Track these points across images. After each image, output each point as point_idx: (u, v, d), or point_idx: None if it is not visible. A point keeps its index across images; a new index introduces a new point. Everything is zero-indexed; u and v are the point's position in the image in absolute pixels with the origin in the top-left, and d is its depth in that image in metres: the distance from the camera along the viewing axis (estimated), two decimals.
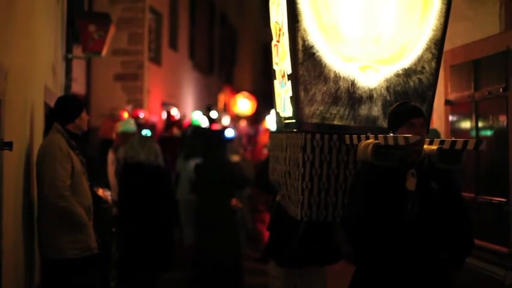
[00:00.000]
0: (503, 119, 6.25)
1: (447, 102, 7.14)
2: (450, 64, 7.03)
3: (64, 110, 5.55)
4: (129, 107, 10.33)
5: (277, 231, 5.96)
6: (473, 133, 6.73)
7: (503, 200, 6.25)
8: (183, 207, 9.35)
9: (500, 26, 6.30)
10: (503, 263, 6.12)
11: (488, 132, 6.55)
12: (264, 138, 14.11)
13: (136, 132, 8.58)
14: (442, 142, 4.08)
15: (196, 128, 11.66)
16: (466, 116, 6.92)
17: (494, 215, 6.40)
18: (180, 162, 10.24)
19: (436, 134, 6.47)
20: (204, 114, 15.33)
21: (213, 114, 16.18)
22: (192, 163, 9.83)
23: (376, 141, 3.94)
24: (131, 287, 8.14)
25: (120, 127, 8.73)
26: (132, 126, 8.81)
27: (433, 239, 3.98)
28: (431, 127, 6.59)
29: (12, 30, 4.82)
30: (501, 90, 6.14)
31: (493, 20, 6.37)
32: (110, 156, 8.59)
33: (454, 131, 7.05)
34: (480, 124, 6.66)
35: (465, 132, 6.89)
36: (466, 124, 6.98)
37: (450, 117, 7.16)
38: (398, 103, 4.17)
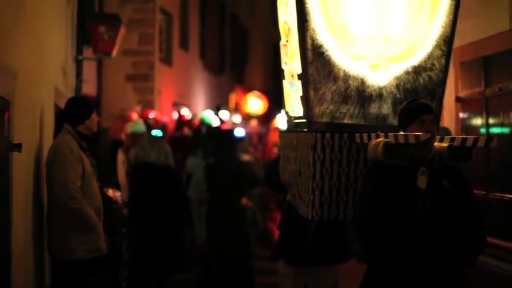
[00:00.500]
0: None
1: (458, 99, 7.12)
2: (460, 61, 7.00)
3: (74, 111, 5.56)
4: (139, 108, 10.34)
5: (288, 230, 5.95)
6: (484, 130, 6.70)
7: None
8: (195, 206, 9.38)
9: (510, 22, 6.25)
10: None
11: (499, 129, 6.53)
12: (273, 137, 14.10)
13: (147, 133, 8.59)
14: (452, 139, 4.06)
15: (210, 127, 11.66)
16: (477, 113, 6.89)
17: (506, 211, 6.38)
18: (192, 161, 10.24)
19: (447, 132, 6.45)
20: (215, 114, 15.34)
21: (222, 114, 16.19)
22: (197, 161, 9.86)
23: (387, 139, 3.93)
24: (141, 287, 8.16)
25: (129, 128, 8.75)
26: (141, 126, 8.83)
27: (445, 237, 3.97)
28: (442, 125, 6.58)
29: (20, 32, 4.83)
30: (511, 86, 6.12)
31: (503, 17, 6.33)
32: (120, 157, 8.61)
33: (465, 128, 7.02)
34: (491, 121, 6.63)
35: (476, 129, 6.87)
36: (476, 121, 6.96)
37: (461, 115, 7.14)
38: (408, 101, 4.17)
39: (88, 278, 5.36)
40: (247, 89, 26.20)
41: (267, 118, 23.78)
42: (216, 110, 15.86)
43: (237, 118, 17.85)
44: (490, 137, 3.87)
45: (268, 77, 29.67)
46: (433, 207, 3.93)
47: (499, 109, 6.50)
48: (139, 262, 7.94)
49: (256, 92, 25.00)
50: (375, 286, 4.11)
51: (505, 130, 6.41)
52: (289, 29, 4.82)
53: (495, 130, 6.58)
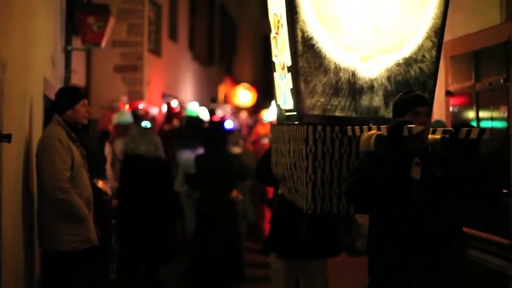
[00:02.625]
0: (504, 110, 6.23)
1: (448, 93, 7.12)
2: (450, 55, 7.00)
3: (62, 99, 5.54)
4: (125, 98, 10.29)
5: (280, 224, 5.95)
6: (474, 124, 6.70)
7: (504, 191, 6.23)
8: (183, 198, 9.37)
9: (501, 16, 6.25)
10: (504, 254, 6.11)
11: (489, 123, 6.53)
12: (260, 129, 14.07)
13: (136, 124, 8.56)
14: (445, 131, 4.05)
15: (189, 119, 11.63)
16: (467, 107, 6.90)
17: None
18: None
19: (442, 125, 6.44)
20: (210, 106, 15.30)
21: (215, 106, 16.15)
22: (184, 154, 9.83)
23: (379, 132, 3.93)
24: (131, 279, 8.15)
25: (115, 119, 8.73)
26: (127, 117, 8.81)
27: (442, 228, 3.97)
28: (436, 118, 6.59)
29: (9, 22, 4.80)
30: (502, 81, 6.11)
31: (494, 11, 6.32)
32: (107, 148, 8.58)
33: (455, 121, 7.03)
34: (481, 115, 6.63)
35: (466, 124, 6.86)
36: (466, 115, 6.96)
37: (451, 108, 7.14)
38: (402, 93, 4.17)
39: (78, 270, 5.35)
40: (236, 81, 26.16)
41: (256, 110, 23.75)
42: (211, 102, 15.80)
43: (226, 110, 17.80)
44: (482, 128, 3.86)
45: (257, 69, 29.62)
46: (428, 198, 3.93)
47: (489, 103, 6.50)
48: (129, 254, 7.93)
49: (245, 84, 24.95)
50: (379, 279, 4.10)
51: (495, 124, 6.42)
52: (279, 21, 4.79)
53: (485, 124, 6.58)
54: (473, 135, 3.88)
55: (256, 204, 11.35)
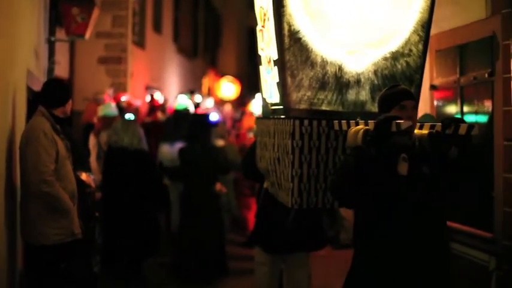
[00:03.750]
0: (488, 105, 6.24)
1: (432, 87, 7.13)
2: (435, 49, 7.00)
3: (53, 94, 5.50)
4: (111, 90, 10.24)
5: (264, 218, 5.94)
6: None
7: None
8: (170, 191, 9.37)
9: (486, 11, 6.27)
10: (487, 248, 6.13)
11: (473, 118, 6.54)
12: (247, 123, 14.03)
13: (120, 116, 8.52)
14: (432, 126, 4.04)
15: (177, 112, 11.60)
16: (451, 101, 6.91)
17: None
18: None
19: (432, 119, 6.44)
20: (188, 99, 15.23)
21: (197, 98, 16.10)
22: (164, 148, 9.82)
23: (366, 127, 3.91)
24: (114, 272, 8.12)
25: (100, 111, 8.69)
26: (112, 110, 8.77)
27: (427, 223, 3.96)
28: (424, 112, 6.59)
29: None
30: (486, 75, 6.13)
31: (479, 5, 6.33)
32: (91, 140, 8.54)
33: (439, 116, 7.03)
34: (465, 109, 6.65)
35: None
36: (451, 109, 6.97)
37: (435, 102, 7.15)
38: (388, 87, 4.14)
39: (61, 263, 5.32)
40: (221, 74, 26.11)
41: (240, 103, 23.72)
42: (190, 94, 15.74)
43: (210, 102, 17.74)
44: (471, 124, 3.85)
45: (241, 62, 29.58)
46: (414, 194, 3.92)
47: (473, 97, 6.52)
48: (113, 247, 7.90)
49: (230, 77, 24.92)
50: (361, 274, 4.09)
51: (479, 119, 6.43)
52: (265, 14, 4.77)
53: (469, 118, 6.59)
54: (462, 131, 3.87)
55: (243, 197, 11.35)
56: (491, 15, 6.20)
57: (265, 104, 5.18)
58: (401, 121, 3.74)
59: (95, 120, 8.85)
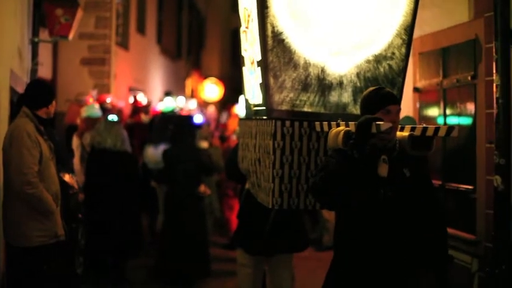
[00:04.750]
0: (471, 107, 6.29)
1: (415, 89, 7.17)
2: (419, 52, 7.04)
3: (37, 95, 5.47)
4: (95, 92, 10.21)
5: (246, 219, 5.94)
6: (441, 120, 6.76)
7: (469, 187, 6.30)
8: (157, 193, 9.38)
9: (469, 14, 6.31)
10: (469, 250, 6.17)
11: (456, 120, 6.58)
12: (233, 125, 14.03)
13: (103, 118, 8.50)
14: (413, 129, 4.05)
15: (163, 115, 11.60)
16: (434, 103, 6.95)
17: (461, 202, 6.45)
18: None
19: (412, 121, 6.47)
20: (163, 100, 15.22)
21: (179, 100, 16.09)
22: (149, 150, 9.81)
23: (347, 128, 3.92)
24: (98, 273, 8.09)
25: (84, 112, 8.67)
26: (96, 111, 8.75)
27: (407, 225, 3.97)
28: (405, 114, 6.62)
29: None
30: (469, 78, 6.17)
31: (462, 8, 6.38)
32: (75, 142, 8.51)
33: (422, 118, 7.08)
34: (448, 112, 6.69)
35: (433, 120, 6.92)
36: (434, 111, 7.01)
37: (418, 105, 7.19)
38: (371, 89, 4.07)
39: (45, 265, 5.29)
40: (204, 75, 26.09)
41: (223, 105, 23.72)
42: (165, 96, 15.72)
43: (194, 104, 17.72)
44: (451, 126, 3.87)
45: (225, 63, 29.58)
46: (394, 195, 3.93)
47: (456, 100, 6.56)
48: (96, 248, 7.87)
49: (213, 78, 24.91)
50: (340, 274, 4.10)
51: (462, 121, 6.47)
52: (249, 15, 4.78)
53: (452, 121, 6.64)
54: (442, 133, 3.88)
55: (226, 198, 11.34)
56: (474, 18, 6.24)
57: (247, 105, 5.19)
58: (381, 122, 3.75)
59: (78, 121, 8.83)
